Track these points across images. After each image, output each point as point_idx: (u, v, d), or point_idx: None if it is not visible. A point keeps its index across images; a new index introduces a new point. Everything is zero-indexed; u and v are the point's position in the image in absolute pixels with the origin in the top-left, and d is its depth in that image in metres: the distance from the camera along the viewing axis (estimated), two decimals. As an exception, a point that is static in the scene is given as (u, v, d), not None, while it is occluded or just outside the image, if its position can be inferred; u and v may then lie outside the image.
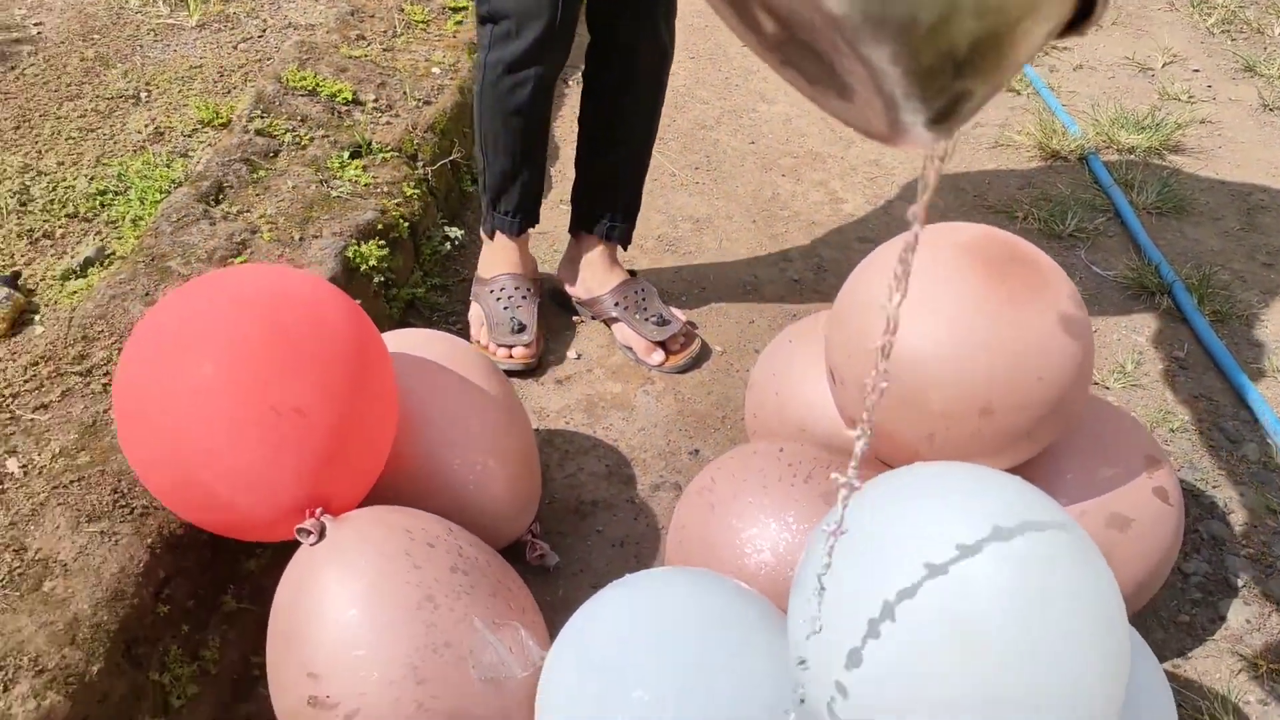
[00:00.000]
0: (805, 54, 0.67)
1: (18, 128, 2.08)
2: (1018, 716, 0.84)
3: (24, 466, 1.28)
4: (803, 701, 0.97)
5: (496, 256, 1.83)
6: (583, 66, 1.77)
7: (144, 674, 1.18)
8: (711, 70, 2.81)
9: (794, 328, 1.51)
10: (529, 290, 1.82)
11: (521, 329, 1.77)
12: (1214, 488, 1.63)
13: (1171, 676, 1.33)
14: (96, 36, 2.47)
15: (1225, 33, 3.11)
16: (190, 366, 1.13)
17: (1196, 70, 2.91)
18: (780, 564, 1.18)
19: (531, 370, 1.79)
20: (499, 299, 1.79)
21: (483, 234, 1.84)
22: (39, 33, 2.50)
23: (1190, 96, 2.75)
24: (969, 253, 1.14)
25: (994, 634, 0.83)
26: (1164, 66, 2.91)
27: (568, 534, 1.54)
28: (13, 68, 2.32)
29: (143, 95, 2.22)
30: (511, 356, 1.77)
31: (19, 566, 1.16)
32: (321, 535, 1.15)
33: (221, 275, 1.26)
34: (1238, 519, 1.58)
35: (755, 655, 1.04)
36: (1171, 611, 1.45)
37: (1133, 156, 2.47)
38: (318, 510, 1.16)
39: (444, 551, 1.17)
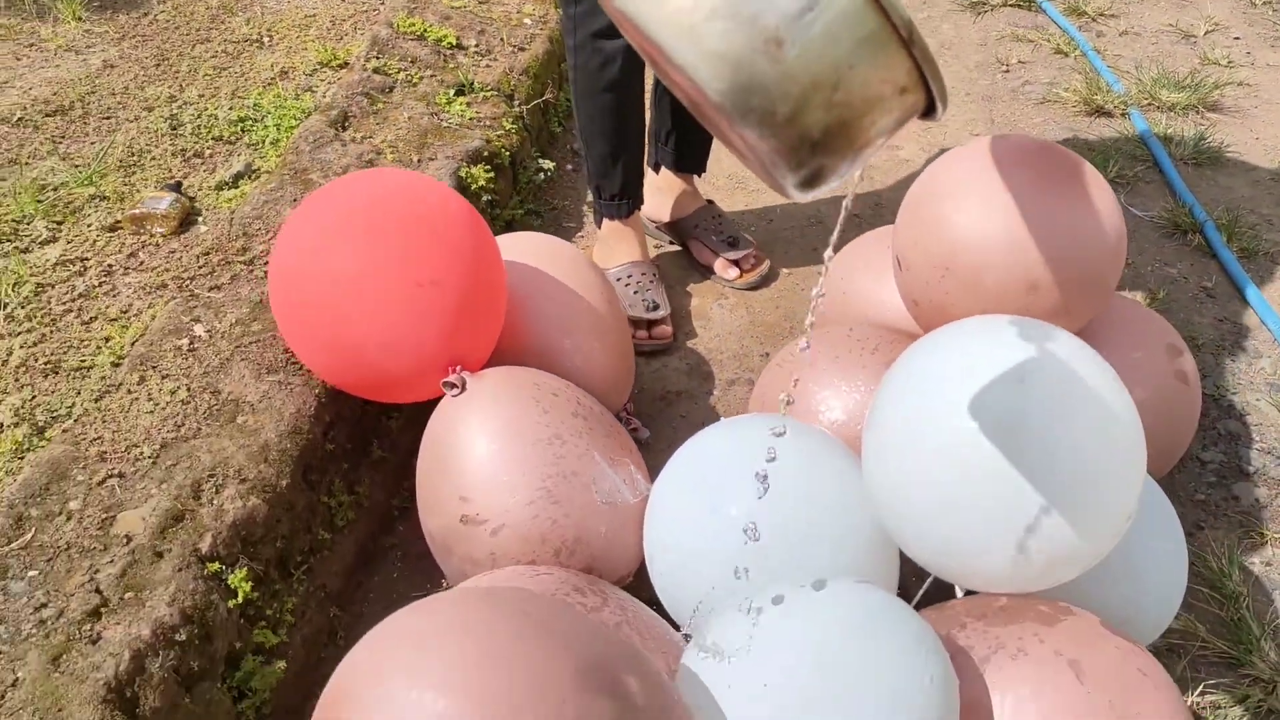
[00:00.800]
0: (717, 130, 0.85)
1: (158, 65, 2.33)
2: (1054, 493, 1.04)
3: (209, 331, 1.51)
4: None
5: (612, 246, 1.95)
6: None
7: (317, 496, 1.41)
8: (776, 30, 3.01)
9: (861, 238, 1.72)
10: (654, 273, 1.93)
11: (655, 308, 1.88)
12: (1233, 394, 1.82)
13: (1187, 541, 1.53)
14: (217, -12, 2.71)
15: (1268, 3, 3.25)
16: (343, 251, 1.34)
17: (1237, 38, 3.06)
18: (850, 419, 1.39)
19: (668, 349, 1.90)
20: (627, 285, 1.89)
21: (595, 225, 1.98)
22: (164, -16, 2.74)
23: (1230, 61, 2.91)
24: (1017, 155, 1.34)
25: (1035, 425, 1.04)
26: (1206, 34, 3.07)
27: (655, 417, 1.76)
28: (145, 14, 2.56)
29: (265, 40, 2.46)
30: (651, 337, 1.88)
31: (216, 404, 1.39)
32: (463, 388, 1.37)
33: (359, 176, 1.48)
34: (1253, 419, 1.77)
35: (825, 476, 1.25)
36: (1189, 491, 1.64)
37: (1173, 113, 2.64)
38: (457, 367, 1.39)
39: (565, 400, 1.39)
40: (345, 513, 1.46)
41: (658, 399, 1.80)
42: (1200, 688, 1.35)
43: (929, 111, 0.76)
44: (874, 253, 1.65)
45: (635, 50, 1.73)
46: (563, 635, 0.84)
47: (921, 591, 1.23)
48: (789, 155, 0.73)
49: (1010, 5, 3.19)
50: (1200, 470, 1.68)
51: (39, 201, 1.81)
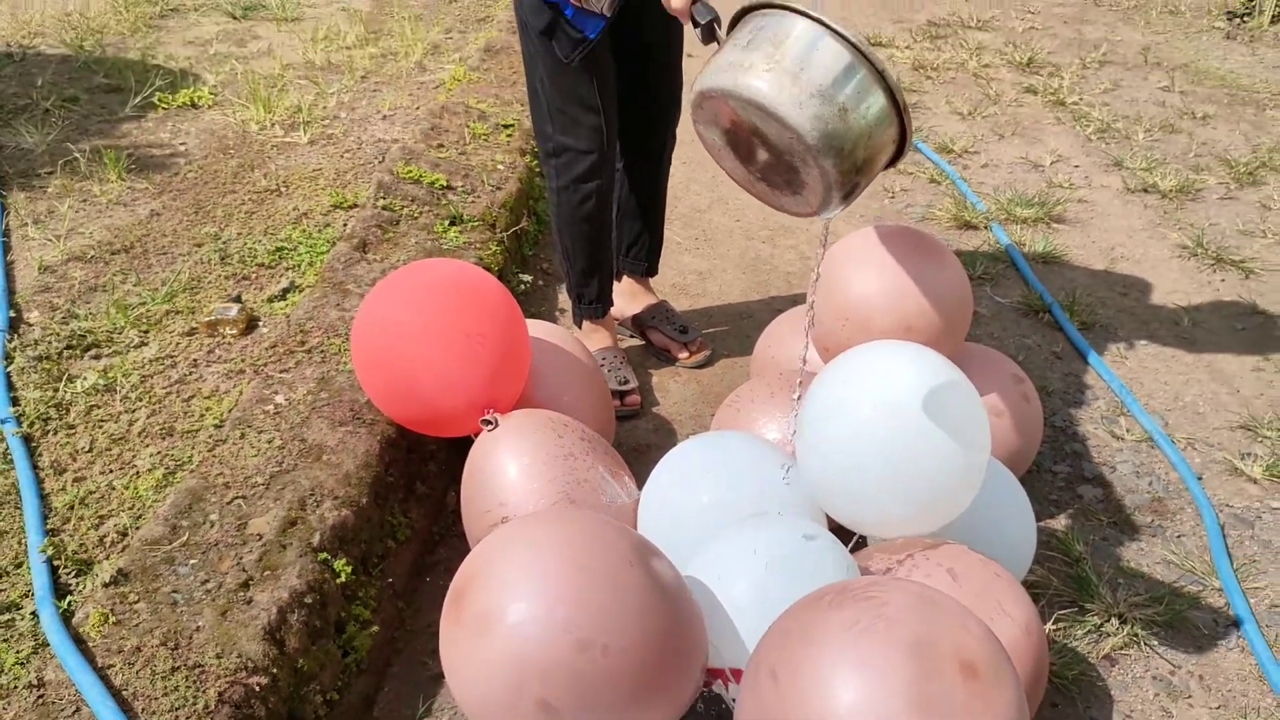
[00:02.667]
0: (778, 170, 1.44)
1: (197, 211, 2.81)
2: (918, 466, 1.52)
3: (288, 399, 1.95)
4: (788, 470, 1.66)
5: (590, 339, 2.43)
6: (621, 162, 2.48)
7: (384, 514, 1.84)
8: (700, 171, 3.61)
9: (781, 316, 2.24)
10: (623, 357, 2.43)
11: (626, 382, 2.36)
12: (1077, 425, 2.35)
13: (1041, 529, 2.02)
14: (233, 151, 3.22)
15: (1101, 138, 3.97)
16: (413, 313, 1.81)
17: (1077, 166, 3.75)
18: (784, 437, 1.87)
19: (638, 414, 2.37)
20: (603, 364, 2.36)
21: (574, 326, 2.47)
22: (185, 149, 3.25)
23: (1071, 184, 3.58)
24: (892, 235, 1.87)
25: (901, 406, 1.53)
26: (1051, 164, 3.75)
27: (632, 463, 2.21)
28: (176, 173, 3.05)
29: (283, 189, 2.96)
30: (624, 405, 2.35)
31: (304, 448, 1.82)
32: (497, 424, 1.82)
33: (416, 265, 1.95)
34: (1092, 442, 2.30)
35: (768, 465, 1.72)
36: (1045, 493, 2.14)
37: (1025, 224, 3.27)
38: (490, 410, 1.84)
39: (573, 430, 1.85)
40: (404, 530, 1.88)
41: (632, 451, 2.26)
42: (1054, 618, 1.82)
43: (898, 158, 1.43)
44: (792, 322, 2.17)
45: (607, 188, 2.25)
46: (616, 527, 1.29)
47: (851, 544, 1.68)
48: (844, 177, 1.35)
49: (892, 145, 3.85)
50: (1052, 478, 2.19)
51: (126, 316, 2.25)
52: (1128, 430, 2.33)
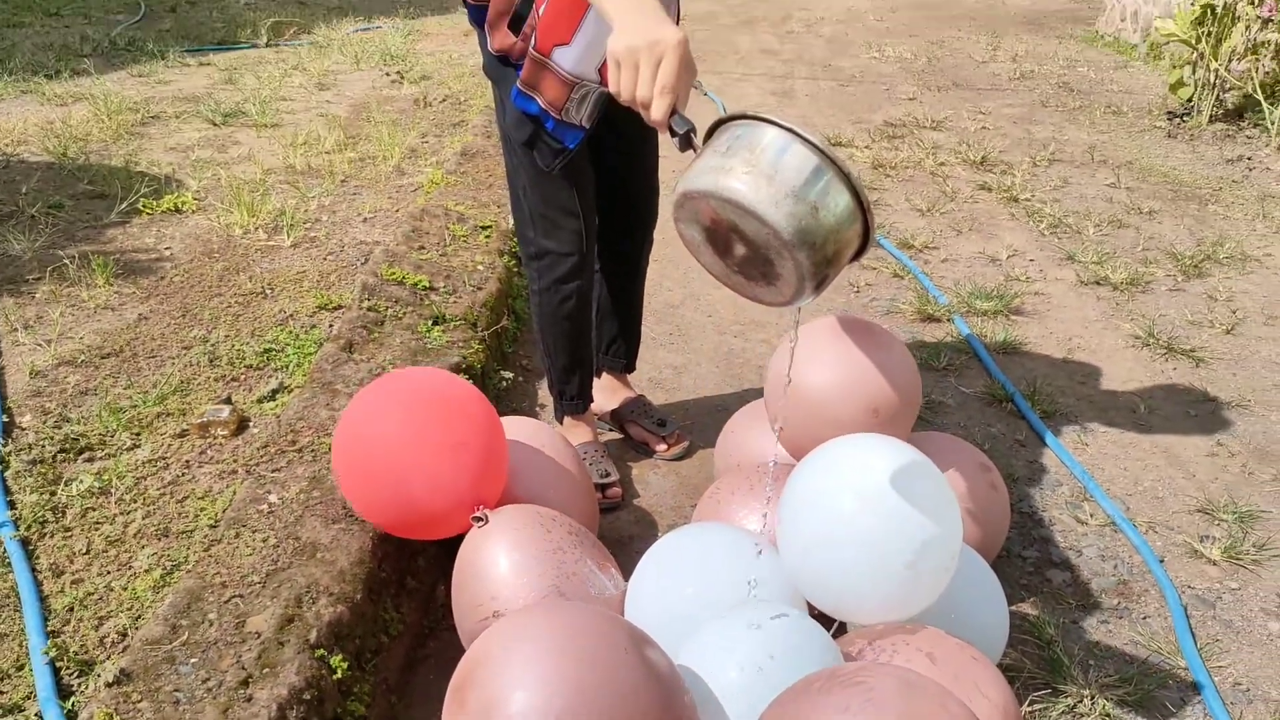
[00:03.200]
0: (754, 264, 1.55)
1: (184, 315, 2.87)
2: (896, 554, 1.60)
3: (281, 499, 2.00)
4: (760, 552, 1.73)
5: (572, 434, 2.51)
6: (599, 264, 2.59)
7: (377, 609, 1.88)
8: (673, 269, 3.73)
9: (743, 409, 2.33)
10: (604, 450, 2.52)
11: (607, 475, 2.45)
12: (1043, 511, 2.44)
13: (1013, 613, 2.09)
14: (217, 255, 3.30)
15: (1054, 233, 4.15)
16: (397, 423, 1.87)
17: (1032, 260, 3.91)
18: (763, 527, 1.94)
19: (620, 506, 2.45)
20: (584, 458, 2.42)
21: (555, 421, 2.56)
22: (171, 253, 3.33)
23: (1027, 277, 3.73)
24: (849, 328, 1.98)
25: (880, 496, 1.61)
26: (1008, 258, 3.91)
27: (615, 555, 2.27)
28: (163, 278, 3.13)
29: (268, 292, 3.03)
30: (605, 497, 2.42)
31: (299, 546, 1.87)
32: (488, 521, 1.88)
33: (397, 374, 2.03)
34: (1058, 528, 2.38)
35: (748, 561, 1.79)
36: (1015, 578, 2.22)
37: (985, 316, 3.40)
38: (480, 506, 1.90)
39: (561, 524, 1.91)
40: (396, 625, 1.92)
41: (615, 542, 2.32)
42: (1029, 700, 1.88)
43: (863, 251, 1.56)
44: (756, 414, 2.26)
45: (587, 289, 2.35)
46: (610, 617, 1.35)
47: (832, 630, 1.74)
48: (817, 268, 1.45)
49: (856, 242, 4.00)
50: (1022, 563, 2.27)
51: (118, 419, 2.30)
52: (1091, 515, 2.42)
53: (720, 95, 6.03)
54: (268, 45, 6.69)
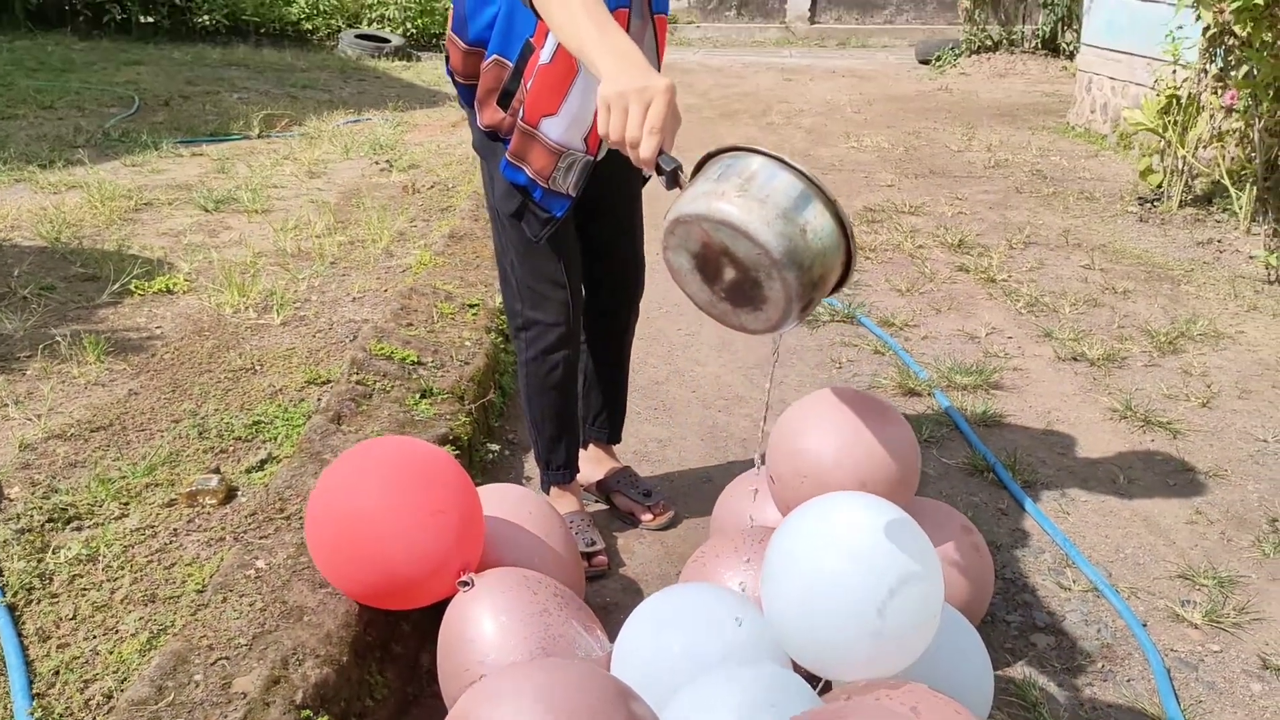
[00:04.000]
0: (742, 288, 1.60)
1: (174, 390, 2.90)
2: (873, 602, 1.62)
3: (269, 564, 2.01)
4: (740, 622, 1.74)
5: (559, 503, 2.53)
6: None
7: (363, 673, 1.88)
8: (657, 345, 3.79)
9: (738, 478, 2.36)
10: (589, 520, 2.54)
11: (593, 543, 2.46)
12: (1026, 577, 2.46)
13: (999, 677, 2.10)
14: (208, 333, 3.34)
15: (1031, 311, 4.23)
16: (374, 493, 1.88)
17: (1010, 337, 3.99)
18: (749, 589, 1.96)
19: (605, 574, 2.46)
20: (571, 527, 2.43)
21: (542, 491, 2.57)
22: (162, 332, 3.37)
23: (1005, 353, 3.80)
24: (844, 398, 2.02)
25: (862, 551, 1.63)
26: (986, 335, 3.99)
27: (603, 620, 2.28)
28: (153, 355, 3.16)
29: (257, 368, 3.07)
30: (591, 565, 2.42)
31: (285, 609, 1.87)
32: (473, 584, 1.89)
33: (374, 442, 2.04)
34: (1040, 593, 2.40)
35: (734, 614, 1.80)
36: (1000, 642, 2.23)
37: (965, 391, 3.46)
38: (465, 571, 1.91)
39: (547, 586, 1.92)
40: (381, 689, 1.91)
41: (600, 609, 2.32)
42: (1016, 761, 1.88)
43: (845, 279, 1.61)
44: (747, 484, 2.29)
45: (574, 359, 2.38)
46: (597, 673, 1.37)
47: (818, 689, 1.75)
48: (804, 290, 1.52)
49: (837, 321, 4.08)
50: (1006, 627, 2.28)
51: (107, 489, 2.31)
52: (1074, 581, 2.44)
53: (703, 183, 6.16)
54: (259, 136, 6.83)
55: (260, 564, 2.01)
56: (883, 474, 1.95)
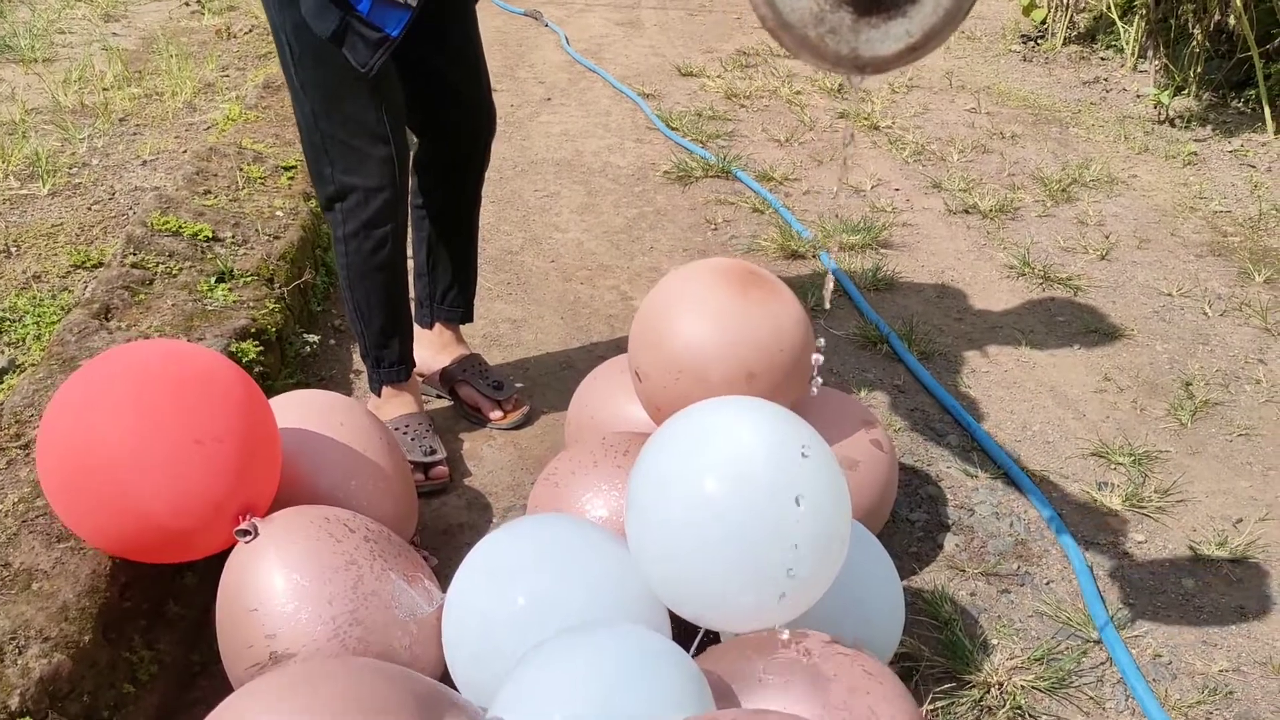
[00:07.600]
0: None
1: (-101, 281, 2.33)
2: (773, 546, 1.27)
3: (-9, 512, 1.54)
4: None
5: (391, 405, 2.09)
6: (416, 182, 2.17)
7: (118, 652, 1.45)
8: (510, 210, 3.33)
9: (595, 370, 1.97)
10: (428, 423, 2.10)
11: (432, 452, 2.04)
12: (929, 466, 2.16)
13: (906, 589, 1.80)
14: (-46, 207, 2.74)
15: (917, 161, 3.90)
16: (116, 419, 1.40)
17: (897, 189, 3.65)
18: (612, 514, 1.59)
19: (446, 488, 2.05)
20: (405, 433, 2.04)
21: (370, 393, 2.12)
22: (-105, 207, 2.74)
23: (894, 208, 3.47)
24: (724, 274, 1.63)
25: (759, 475, 1.27)
26: (872, 188, 3.64)
27: (441, 548, 1.90)
28: (-121, 235, 2.56)
29: (12, 250, 2.51)
30: (429, 479, 2.02)
31: (8, 575, 1.43)
32: (256, 533, 1.47)
33: (123, 348, 1.52)
34: (946, 484, 2.11)
35: (596, 555, 1.44)
36: (904, 546, 1.94)
37: (853, 251, 3.12)
38: (247, 515, 1.48)
39: (357, 530, 1.51)
40: (148, 668, 1.50)
41: (441, 533, 1.94)
42: (930, 698, 1.60)
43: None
44: (614, 378, 1.90)
45: (402, 231, 1.91)
46: (397, 679, 0.98)
47: (696, 642, 1.41)
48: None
49: (711, 175, 3.66)
50: (910, 528, 1.99)
51: None
52: (981, 466, 2.16)
53: (563, 26, 5.59)
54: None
55: (-20, 513, 1.54)
56: (773, 361, 1.59)
